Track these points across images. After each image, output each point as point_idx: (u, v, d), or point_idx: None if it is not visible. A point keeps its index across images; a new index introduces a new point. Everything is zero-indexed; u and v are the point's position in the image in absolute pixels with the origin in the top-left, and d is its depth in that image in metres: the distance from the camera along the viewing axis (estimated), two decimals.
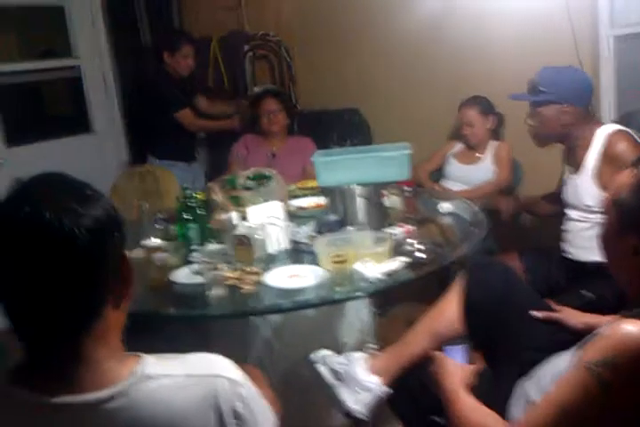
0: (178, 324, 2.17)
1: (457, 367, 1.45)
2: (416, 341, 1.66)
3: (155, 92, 3.47)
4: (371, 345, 1.81)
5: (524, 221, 2.92)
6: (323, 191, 2.40)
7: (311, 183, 2.60)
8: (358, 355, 1.69)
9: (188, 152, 3.60)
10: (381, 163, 2.07)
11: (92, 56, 3.78)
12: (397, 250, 1.86)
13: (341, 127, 3.46)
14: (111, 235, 0.85)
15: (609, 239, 1.13)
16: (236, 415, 0.89)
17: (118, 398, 0.82)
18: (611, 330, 0.99)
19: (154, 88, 3.49)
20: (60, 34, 3.71)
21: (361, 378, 1.60)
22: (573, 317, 1.58)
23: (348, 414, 1.60)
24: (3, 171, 3.30)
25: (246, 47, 3.85)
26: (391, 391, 1.61)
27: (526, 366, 1.43)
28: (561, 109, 2.08)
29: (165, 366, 0.88)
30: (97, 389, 0.82)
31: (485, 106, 2.98)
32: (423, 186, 2.96)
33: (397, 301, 2.69)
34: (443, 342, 1.62)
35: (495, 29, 3.09)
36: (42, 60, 3.68)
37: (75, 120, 3.89)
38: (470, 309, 1.63)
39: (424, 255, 1.83)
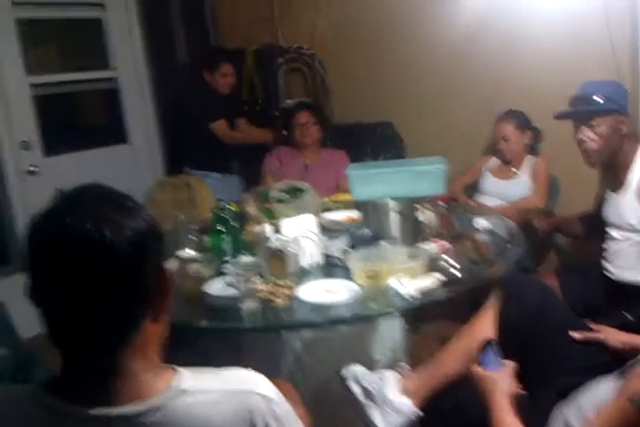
0: (210, 336, 2.17)
1: (506, 383, 1.41)
2: (449, 361, 1.63)
3: (192, 102, 3.51)
4: (403, 364, 1.77)
5: (559, 240, 2.86)
6: (356, 205, 2.39)
7: (344, 197, 2.60)
8: (390, 374, 1.66)
9: (222, 163, 3.62)
10: (416, 177, 2.05)
11: (129, 68, 3.85)
12: (432, 266, 1.84)
13: (374, 141, 3.45)
14: (151, 247, 0.85)
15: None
16: None
17: (154, 411, 0.82)
18: None
19: (191, 99, 3.54)
20: (97, 45, 3.79)
21: (392, 399, 1.57)
22: (612, 336, 1.53)
23: None
24: (39, 180, 3.37)
25: (280, 60, 3.88)
26: (422, 414, 1.58)
27: (565, 388, 1.39)
28: (619, 119, 1.99)
29: (201, 381, 0.88)
30: (133, 402, 0.82)
31: (522, 120, 2.94)
32: (457, 200, 2.92)
33: (429, 318, 2.65)
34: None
35: (530, 43, 3.06)
36: (80, 71, 3.76)
37: (111, 131, 3.95)
38: (505, 328, 1.59)
39: (459, 273, 1.80)
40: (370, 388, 1.62)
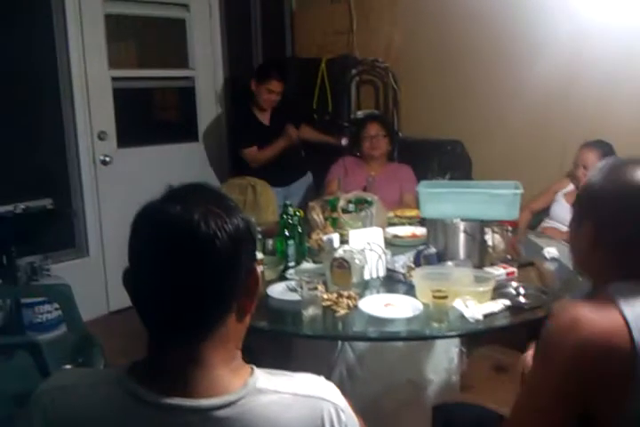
0: (261, 337, 2.20)
1: None
2: None
3: (236, 123, 3.64)
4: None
5: None
6: (422, 222, 2.38)
7: (409, 212, 2.59)
8: None
9: (282, 177, 3.60)
10: (491, 200, 2.03)
11: (207, 69, 3.95)
12: (498, 292, 1.81)
13: (443, 158, 3.42)
14: (246, 246, 0.88)
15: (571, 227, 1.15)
16: None
17: (229, 407, 0.83)
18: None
19: (236, 119, 3.66)
20: (178, 45, 3.90)
21: None
22: None
23: None
24: (110, 169, 3.49)
25: (354, 71, 3.91)
26: None
27: None
28: None
29: (276, 383, 0.89)
30: (209, 395, 0.84)
31: (607, 152, 2.87)
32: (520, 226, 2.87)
33: (484, 342, 2.61)
34: None
35: (618, 74, 2.98)
36: (159, 68, 3.88)
37: (183, 128, 4.06)
38: None
39: (526, 300, 1.77)
40: None
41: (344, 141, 3.52)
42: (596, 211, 1.08)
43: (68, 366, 1.96)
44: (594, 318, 0.98)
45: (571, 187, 3.03)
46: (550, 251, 2.19)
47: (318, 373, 0.96)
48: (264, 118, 3.60)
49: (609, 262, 1.08)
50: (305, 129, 3.75)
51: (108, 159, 3.47)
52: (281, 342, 2.23)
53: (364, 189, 2.90)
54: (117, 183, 3.50)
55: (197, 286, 0.83)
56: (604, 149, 2.88)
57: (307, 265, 2.15)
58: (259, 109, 3.57)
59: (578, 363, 0.98)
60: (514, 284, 1.85)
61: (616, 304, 0.99)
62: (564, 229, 2.90)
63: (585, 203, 1.12)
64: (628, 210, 1.04)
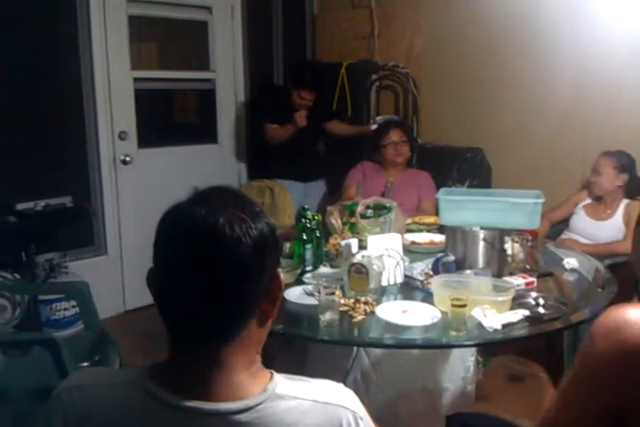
0: (276, 340, 2.20)
1: None
2: None
3: (259, 103, 3.60)
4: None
5: None
6: (440, 229, 2.37)
7: (427, 219, 2.58)
8: None
9: (299, 171, 3.65)
10: (512, 209, 2.01)
11: (228, 72, 3.97)
12: (517, 302, 1.79)
13: (462, 165, 3.40)
14: (270, 251, 0.88)
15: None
16: None
17: (248, 412, 0.83)
18: None
19: (259, 99, 3.62)
20: (200, 47, 3.93)
21: None
22: None
23: None
24: (130, 169, 3.52)
25: (374, 76, 3.91)
26: None
27: None
28: None
29: (295, 388, 0.89)
30: (228, 399, 0.84)
31: (624, 161, 2.86)
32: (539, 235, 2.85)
33: (499, 351, 2.59)
34: None
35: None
36: (180, 70, 3.90)
37: (203, 130, 4.08)
38: None
39: (545, 311, 1.76)
40: None
41: (373, 127, 3.53)
42: None
43: (85, 364, 1.98)
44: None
45: (589, 200, 3.01)
46: (570, 262, 2.16)
47: (333, 378, 0.95)
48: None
49: None
50: (334, 123, 3.77)
51: (128, 159, 3.50)
52: (296, 347, 2.22)
53: (382, 195, 2.89)
54: (137, 183, 3.53)
55: (221, 290, 0.83)
56: (622, 158, 2.86)
57: (324, 269, 2.14)
58: (293, 110, 3.59)
59: (619, 369, 0.93)
60: (533, 294, 1.83)
61: None
62: (583, 240, 2.88)
63: None
64: None
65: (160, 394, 0.84)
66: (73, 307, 2.94)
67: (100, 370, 1.31)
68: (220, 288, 0.83)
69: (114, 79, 3.42)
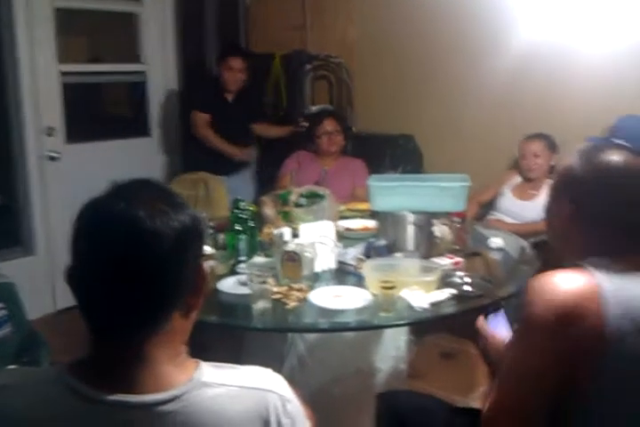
0: (211, 331, 2.19)
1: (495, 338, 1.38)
2: None
3: (189, 93, 3.55)
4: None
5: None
6: (372, 215, 2.41)
7: (361, 205, 2.62)
8: None
9: (220, 165, 3.53)
10: (439, 193, 2.07)
11: (158, 63, 3.89)
12: (444, 281, 1.85)
13: (395, 152, 3.46)
14: (193, 243, 0.88)
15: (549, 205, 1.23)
16: None
17: (174, 401, 0.83)
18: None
19: (190, 89, 3.56)
20: (130, 39, 3.84)
21: None
22: None
23: None
24: (58, 166, 3.42)
25: (308, 67, 3.91)
26: None
27: None
28: None
29: (221, 375, 0.89)
30: (154, 391, 0.84)
31: (551, 143, 2.98)
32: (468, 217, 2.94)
33: (432, 330, 2.66)
34: None
35: (565, 69, 3.06)
36: (109, 63, 3.80)
37: (134, 123, 4.00)
38: None
39: (472, 289, 1.82)
40: None
41: (304, 124, 3.52)
42: (574, 189, 1.15)
43: (13, 366, 1.92)
44: (568, 280, 1.05)
45: (517, 180, 3.12)
46: (495, 241, 2.25)
47: (270, 365, 0.96)
48: (228, 95, 3.57)
49: (585, 240, 1.15)
50: (264, 127, 3.74)
51: (55, 155, 3.39)
52: (233, 337, 2.23)
53: (317, 183, 2.92)
54: (66, 180, 3.42)
55: (142, 283, 0.83)
56: (548, 139, 2.98)
57: (258, 259, 2.14)
58: (226, 91, 3.55)
59: (560, 321, 1.02)
60: (460, 273, 1.89)
61: (587, 271, 1.06)
62: (510, 220, 2.98)
63: (563, 182, 1.19)
64: (604, 188, 1.12)
65: (82, 389, 0.83)
66: (1, 309, 2.84)
67: (21, 370, 1.29)
68: (140, 282, 0.83)
69: (40, 74, 3.30)
